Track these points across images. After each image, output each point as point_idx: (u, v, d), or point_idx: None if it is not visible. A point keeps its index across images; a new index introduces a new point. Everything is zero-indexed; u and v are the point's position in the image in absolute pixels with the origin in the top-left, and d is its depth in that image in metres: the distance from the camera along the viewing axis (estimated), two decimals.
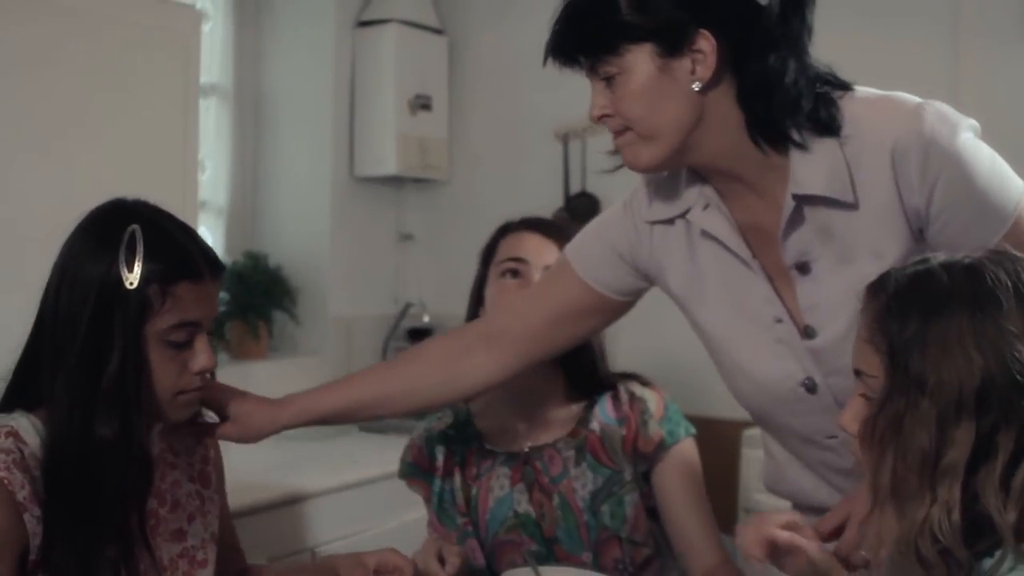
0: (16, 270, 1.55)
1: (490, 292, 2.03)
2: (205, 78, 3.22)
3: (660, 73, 1.43)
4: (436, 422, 2.09)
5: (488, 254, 2.08)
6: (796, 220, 1.48)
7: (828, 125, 1.44)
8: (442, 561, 1.76)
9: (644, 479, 1.97)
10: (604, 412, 2.01)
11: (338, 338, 3.79)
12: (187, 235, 1.55)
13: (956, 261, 1.19)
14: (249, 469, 2.67)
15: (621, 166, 1.57)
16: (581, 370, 2.01)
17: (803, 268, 1.50)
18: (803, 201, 1.47)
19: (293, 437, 3.15)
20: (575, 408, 2.03)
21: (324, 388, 1.88)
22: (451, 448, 2.04)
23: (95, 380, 1.46)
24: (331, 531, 2.68)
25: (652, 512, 1.97)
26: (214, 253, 1.57)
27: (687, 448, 1.99)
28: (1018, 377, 1.11)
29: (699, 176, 1.57)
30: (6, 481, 1.43)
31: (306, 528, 2.63)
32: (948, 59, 3.16)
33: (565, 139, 3.71)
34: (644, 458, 1.97)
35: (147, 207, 1.56)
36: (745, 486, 3.16)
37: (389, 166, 3.79)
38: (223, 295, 3.47)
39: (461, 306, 4.00)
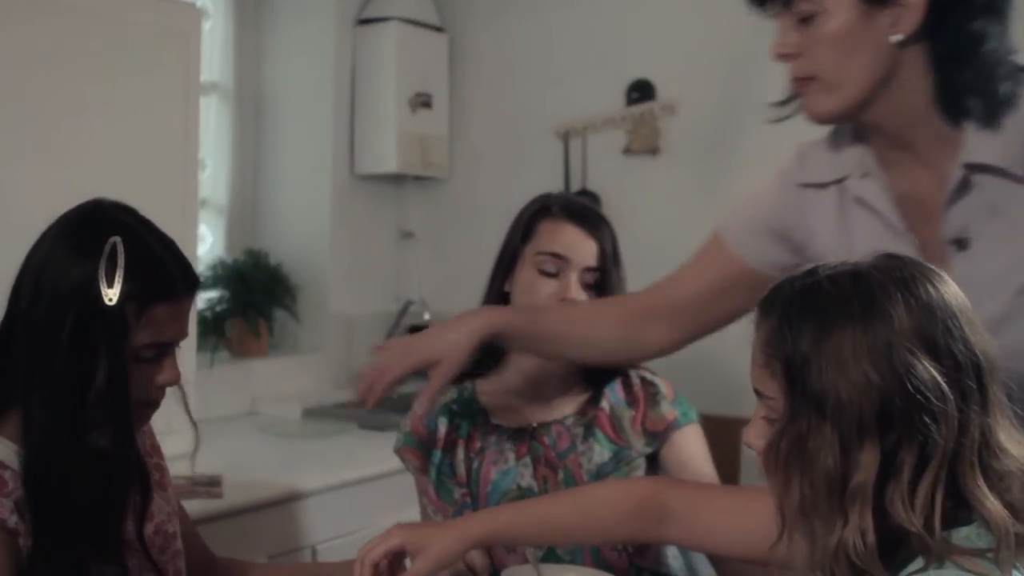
0: (15, 269, 1.53)
1: (524, 279, 2.05)
2: (205, 76, 3.22)
3: (861, 19, 1.39)
4: (439, 396, 2.08)
5: (525, 233, 2.07)
6: (962, 191, 1.43)
7: (1013, 100, 1.39)
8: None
9: (650, 461, 2.00)
10: (614, 393, 2.05)
11: (339, 336, 3.79)
12: (168, 250, 1.51)
13: (843, 271, 1.17)
14: (249, 467, 2.68)
15: (790, 116, 1.52)
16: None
17: (961, 244, 1.45)
18: (974, 170, 1.42)
19: (293, 435, 3.17)
20: (585, 390, 2.06)
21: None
22: (454, 421, 2.06)
23: (81, 394, 1.43)
24: (331, 529, 2.68)
25: None
26: (192, 269, 1.54)
27: (697, 430, 2.05)
28: (917, 396, 1.09)
29: (861, 141, 1.53)
30: None
31: (306, 526, 2.63)
32: None
33: (566, 137, 3.71)
34: (654, 437, 2.01)
35: (128, 214, 1.52)
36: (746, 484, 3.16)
37: (390, 164, 3.79)
38: (223, 293, 3.48)
39: (462, 303, 3.99)
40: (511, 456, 2.00)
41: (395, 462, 2.86)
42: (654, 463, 2.01)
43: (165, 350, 1.52)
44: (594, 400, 2.05)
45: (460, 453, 2.03)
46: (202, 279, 1.60)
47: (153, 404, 1.54)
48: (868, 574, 1.10)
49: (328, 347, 3.76)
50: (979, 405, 1.12)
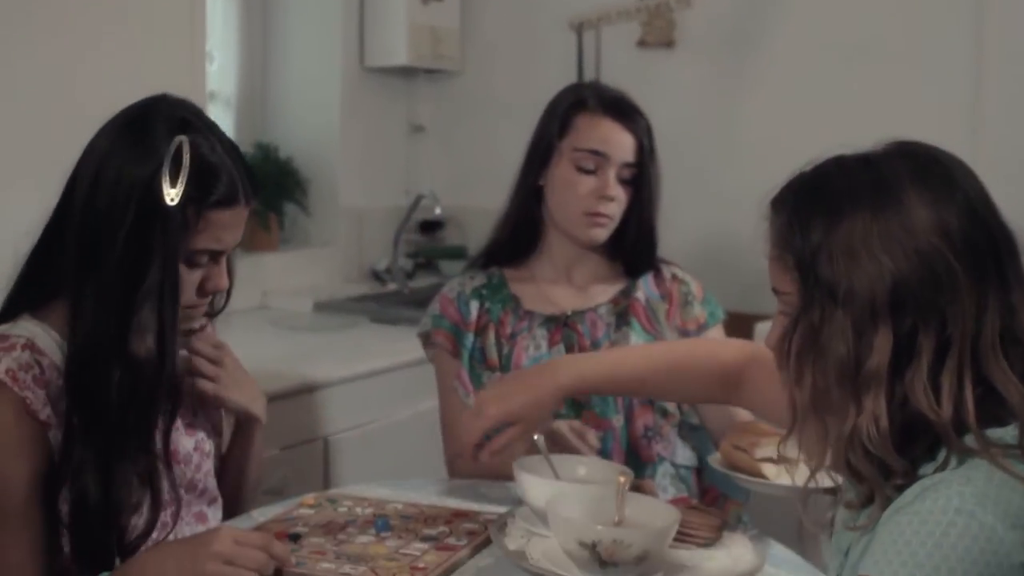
0: (25, 166, 1.52)
1: (562, 176, 2.05)
2: None
3: None
4: (468, 280, 2.14)
5: (562, 127, 2.07)
6: None
7: None
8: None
9: None
10: (647, 286, 2.11)
11: (350, 230, 3.78)
12: (232, 156, 1.50)
13: (850, 159, 1.16)
14: (261, 359, 2.69)
15: None
16: (630, 249, 2.10)
17: None
18: None
19: (304, 328, 3.18)
20: (618, 281, 2.12)
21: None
22: (485, 305, 2.10)
23: (132, 291, 1.43)
24: (343, 421, 2.70)
25: None
26: (253, 177, 1.53)
27: (721, 331, 2.12)
28: (929, 274, 1.08)
29: None
30: (28, 400, 1.43)
31: (318, 418, 2.65)
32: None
33: (579, 29, 3.64)
34: (684, 335, 2.08)
35: (195, 114, 1.50)
36: None
37: (400, 56, 3.73)
38: None
39: (473, 198, 4.01)
40: (543, 343, 2.05)
41: (406, 355, 2.89)
42: None
43: (218, 257, 1.52)
44: (627, 291, 2.10)
45: (491, 337, 2.06)
46: None
47: (198, 308, 1.54)
48: (883, 462, 1.10)
49: (339, 241, 3.75)
50: (999, 285, 1.10)
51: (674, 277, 2.13)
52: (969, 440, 1.08)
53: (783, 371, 1.19)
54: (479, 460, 1.64)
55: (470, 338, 2.08)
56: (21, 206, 1.53)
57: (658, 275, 2.13)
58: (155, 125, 1.46)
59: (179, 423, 1.61)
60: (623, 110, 2.05)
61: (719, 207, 3.31)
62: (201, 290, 1.52)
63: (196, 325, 1.61)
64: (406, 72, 3.94)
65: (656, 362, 1.68)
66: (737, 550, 1.58)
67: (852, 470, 1.12)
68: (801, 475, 1.66)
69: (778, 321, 1.21)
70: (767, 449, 1.69)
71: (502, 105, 3.84)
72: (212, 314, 1.67)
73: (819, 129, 3.21)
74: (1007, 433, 1.09)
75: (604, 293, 2.11)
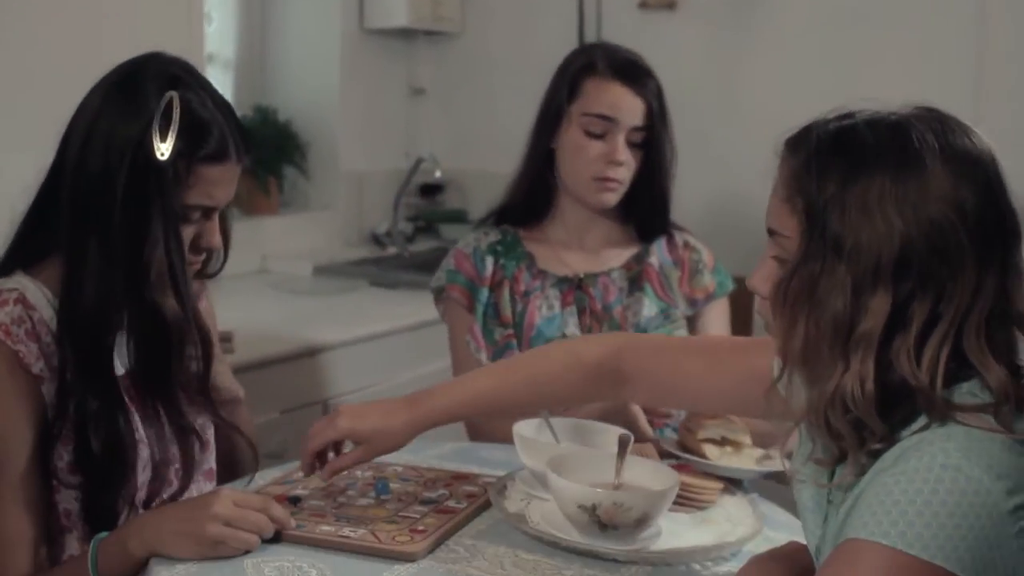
0: (22, 126, 1.51)
1: (571, 140, 2.05)
2: None
3: None
4: (482, 236, 2.15)
5: (571, 91, 2.06)
6: None
7: None
8: None
9: (687, 323, 2.10)
10: (660, 252, 2.13)
11: (349, 193, 3.77)
12: (224, 112, 1.50)
13: (882, 118, 1.13)
14: (260, 323, 2.69)
15: None
16: (643, 213, 2.11)
17: None
18: None
19: (304, 292, 3.17)
20: (630, 245, 2.13)
21: None
22: (499, 261, 2.11)
23: (138, 246, 1.43)
24: (342, 384, 2.70)
25: None
26: (245, 134, 1.53)
27: (726, 303, 2.15)
28: (939, 245, 1.07)
29: None
30: (21, 354, 1.43)
31: (317, 381, 2.65)
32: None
33: None
34: (693, 303, 2.10)
35: (187, 71, 1.50)
36: None
37: (400, 18, 3.70)
38: None
39: (473, 161, 4.00)
40: (556, 303, 2.06)
41: (406, 319, 2.89)
42: (689, 326, 2.11)
43: (210, 213, 1.51)
44: (640, 256, 2.11)
45: (506, 294, 2.08)
46: None
47: (191, 265, 1.54)
48: (863, 423, 1.10)
49: (338, 204, 3.74)
50: (999, 268, 1.10)
51: (686, 244, 2.14)
52: (943, 406, 1.08)
53: (776, 318, 1.17)
54: (313, 472, 1.55)
55: (485, 293, 2.09)
56: (19, 165, 1.52)
57: (671, 241, 2.13)
58: (145, 82, 1.46)
59: (183, 402, 1.60)
60: (632, 73, 2.04)
61: (721, 171, 3.29)
62: (194, 247, 1.52)
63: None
64: (406, 34, 3.91)
65: (510, 378, 1.60)
66: (736, 513, 1.59)
67: (830, 428, 1.12)
68: (747, 455, 1.67)
69: (767, 265, 1.19)
70: (710, 431, 1.71)
71: (503, 67, 3.82)
72: (208, 276, 1.66)
73: (822, 91, 3.19)
74: (973, 387, 1.09)
75: (617, 257, 2.12)
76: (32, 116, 1.51)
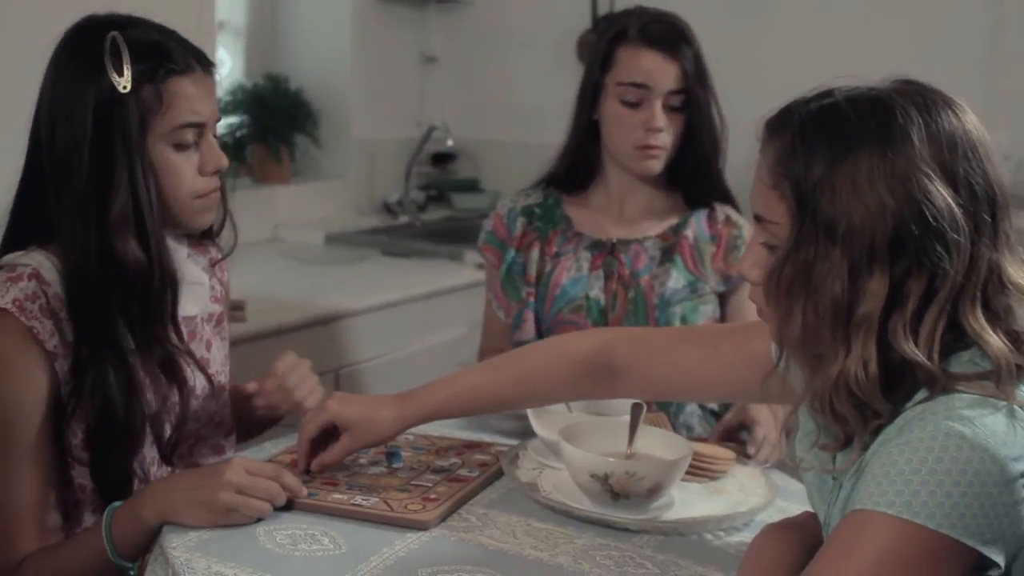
0: (31, 96, 1.52)
1: (610, 111, 2.05)
2: None
3: None
4: (522, 197, 2.18)
5: (605, 61, 2.05)
6: None
7: None
8: None
9: (720, 299, 2.08)
10: (699, 224, 2.10)
11: (361, 162, 3.76)
12: (168, 34, 1.51)
13: (863, 94, 1.12)
14: (272, 291, 2.69)
15: None
16: (688, 178, 2.09)
17: None
18: None
19: (315, 261, 3.17)
20: (670, 216, 2.11)
21: None
22: (534, 223, 2.13)
23: (106, 200, 1.44)
24: (355, 353, 2.71)
25: None
26: (199, 50, 1.53)
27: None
28: (931, 221, 1.06)
29: None
30: (35, 331, 1.43)
31: (329, 350, 2.65)
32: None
33: None
34: (728, 279, 2.08)
35: (121, 16, 1.51)
36: None
37: None
38: (244, 119, 3.44)
39: (485, 130, 3.98)
40: (585, 265, 2.07)
41: (418, 288, 2.90)
42: (723, 302, 2.09)
43: (201, 134, 1.51)
44: (677, 227, 2.09)
45: (535, 254, 2.10)
46: (221, 104, 1.59)
47: (209, 195, 1.54)
48: (867, 405, 1.10)
49: (350, 173, 3.73)
50: (990, 239, 1.09)
51: (727, 219, 2.11)
52: (943, 378, 1.08)
53: (771, 306, 1.16)
54: (307, 467, 1.53)
55: (511, 253, 2.12)
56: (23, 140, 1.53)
57: (712, 214, 2.11)
58: (88, 38, 1.47)
59: (190, 360, 1.60)
60: (663, 38, 2.02)
61: (736, 144, 3.27)
62: (202, 171, 1.52)
63: (211, 217, 1.59)
64: (418, 1, 3.89)
65: (497, 376, 1.59)
66: (749, 484, 1.58)
67: (835, 413, 1.11)
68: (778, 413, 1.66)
69: (755, 251, 1.18)
70: None
71: (515, 35, 3.80)
72: (214, 235, 1.67)
73: (837, 65, 3.18)
74: (974, 356, 1.09)
75: (655, 226, 2.10)
76: (26, 95, 1.52)
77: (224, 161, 1.54)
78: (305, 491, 1.44)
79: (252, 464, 1.43)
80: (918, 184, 1.06)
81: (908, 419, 1.07)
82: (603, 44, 2.06)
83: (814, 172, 1.09)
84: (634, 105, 2.01)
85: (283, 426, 2.00)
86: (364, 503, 1.43)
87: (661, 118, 2.01)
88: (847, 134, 1.09)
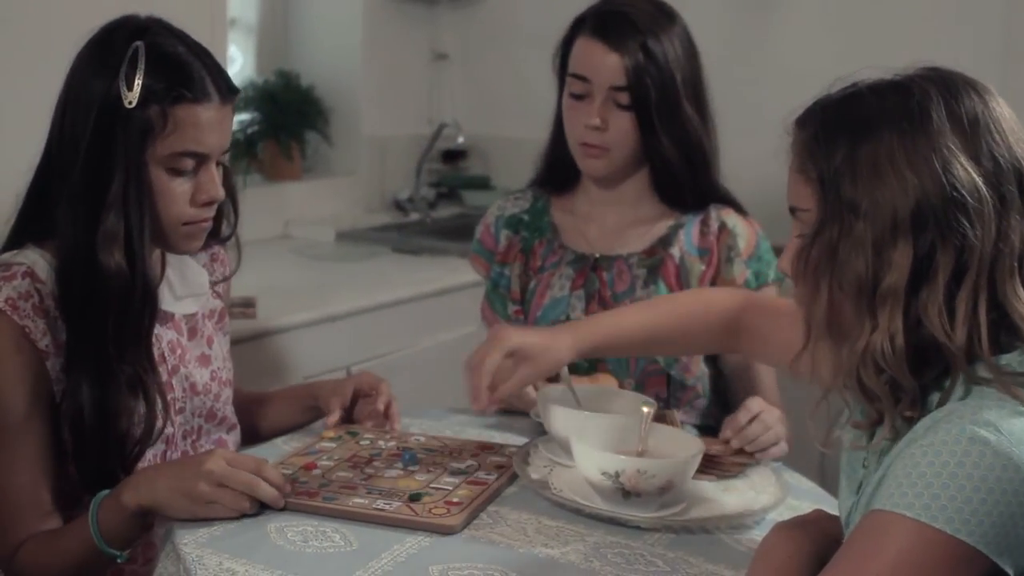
0: (41, 96, 1.51)
1: (564, 106, 1.94)
2: None
3: None
4: (509, 203, 2.06)
5: (563, 51, 1.94)
6: None
7: None
8: None
9: None
10: (688, 237, 1.94)
11: (372, 159, 3.76)
12: (197, 55, 1.47)
13: (884, 81, 1.14)
14: (283, 288, 2.70)
15: None
16: (663, 184, 1.93)
17: None
18: None
19: (326, 258, 3.17)
20: (659, 224, 1.96)
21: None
22: (520, 234, 2.02)
23: (98, 209, 1.42)
24: (364, 350, 2.71)
25: (710, 357, 1.93)
26: (227, 76, 1.50)
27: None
28: (953, 193, 1.07)
29: None
30: (28, 330, 1.43)
31: (339, 347, 2.65)
32: None
33: None
34: None
35: (159, 24, 1.49)
36: None
37: None
38: (255, 115, 3.44)
39: (496, 127, 3.97)
40: (567, 284, 1.94)
41: (428, 285, 2.90)
42: None
43: (202, 162, 1.48)
44: (666, 240, 1.94)
45: (518, 268, 1.99)
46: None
47: (198, 224, 1.52)
48: (897, 383, 1.10)
49: (361, 170, 3.73)
50: (1020, 213, 1.10)
51: (723, 227, 1.93)
52: (980, 369, 1.08)
53: (799, 287, 1.18)
54: (486, 406, 1.54)
55: (496, 268, 2.03)
56: (33, 138, 1.53)
57: (705, 223, 1.94)
58: (114, 38, 1.46)
59: (190, 355, 1.60)
60: (612, 28, 1.86)
61: (747, 133, 3.26)
62: (194, 201, 1.49)
63: (197, 244, 1.56)
64: None
65: (655, 314, 1.67)
66: (760, 482, 1.58)
67: (864, 388, 1.11)
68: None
69: (794, 243, 1.20)
70: None
71: (526, 32, 3.78)
72: (220, 240, 1.65)
73: (852, 53, 3.16)
74: (1013, 359, 1.08)
75: (641, 238, 1.95)
76: (50, 84, 1.51)
77: (220, 194, 1.51)
78: (289, 487, 1.43)
79: (234, 456, 1.43)
80: (938, 157, 1.08)
81: (936, 419, 1.06)
82: (566, 35, 1.94)
83: (837, 155, 1.11)
84: (579, 98, 1.88)
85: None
86: (387, 507, 1.42)
87: (595, 113, 1.86)
88: (868, 118, 1.11)
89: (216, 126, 1.47)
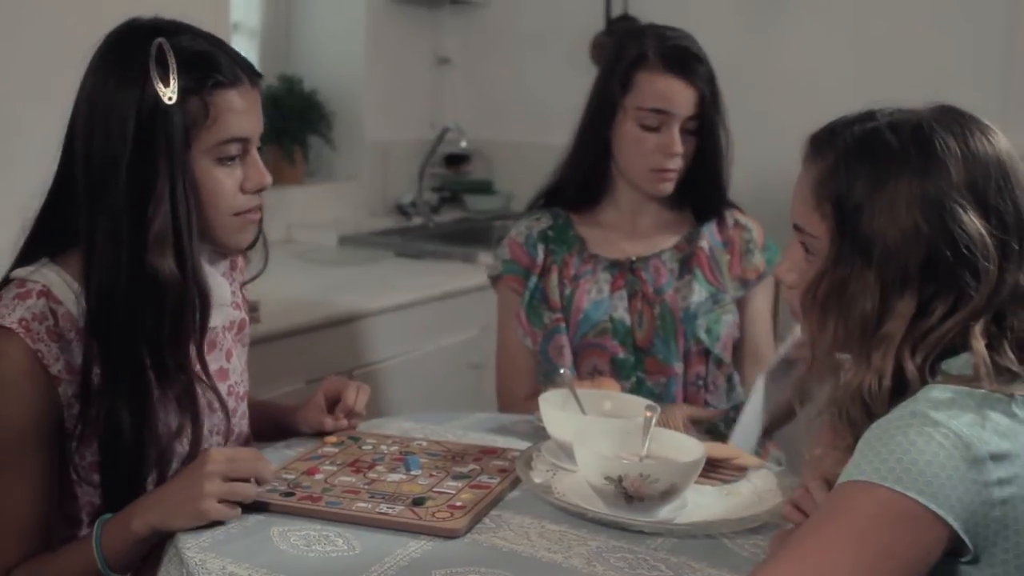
0: (47, 106, 1.49)
1: (628, 133, 2.05)
2: None
3: None
4: (534, 222, 2.16)
5: (623, 82, 2.05)
6: None
7: None
8: None
9: (737, 306, 2.10)
10: (711, 234, 2.13)
11: (375, 163, 3.76)
12: (215, 44, 1.46)
13: (904, 120, 1.18)
14: (286, 292, 2.69)
15: None
16: (699, 195, 2.11)
17: None
18: None
19: (329, 262, 3.18)
20: (682, 227, 2.14)
21: None
22: (550, 247, 2.13)
23: (143, 216, 1.39)
24: (368, 354, 2.71)
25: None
26: (248, 60, 1.49)
27: (771, 281, 2.14)
28: (963, 249, 1.12)
29: None
30: (40, 354, 1.39)
31: (343, 351, 2.65)
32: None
33: None
34: (745, 284, 2.11)
35: (167, 22, 1.46)
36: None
37: None
38: None
39: (498, 131, 3.97)
40: (606, 287, 2.07)
41: (431, 289, 2.89)
42: (740, 309, 2.11)
43: (247, 147, 1.47)
44: (691, 237, 2.12)
45: (554, 279, 2.09)
46: None
47: (251, 213, 1.51)
48: (875, 415, 1.15)
49: (364, 174, 3.74)
50: (1016, 264, 1.15)
51: (736, 223, 2.14)
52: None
53: (806, 317, 1.23)
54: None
55: (534, 280, 2.11)
56: (42, 151, 1.51)
57: (721, 222, 2.14)
58: (131, 45, 1.42)
59: (208, 389, 1.58)
60: (683, 63, 2.02)
61: (759, 141, 3.27)
62: (245, 188, 1.48)
63: (249, 237, 1.55)
64: (432, 3, 3.90)
65: None
66: (763, 487, 1.58)
67: (849, 419, 1.18)
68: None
69: (794, 254, 1.25)
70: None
71: (528, 37, 3.80)
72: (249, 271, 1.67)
73: (861, 63, 3.17)
74: (959, 362, 1.15)
75: (668, 240, 2.12)
76: (56, 95, 1.49)
77: (268, 179, 1.50)
78: (325, 500, 1.43)
79: (230, 451, 1.42)
80: (951, 211, 1.13)
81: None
82: (622, 66, 2.04)
83: (855, 194, 1.17)
84: (653, 129, 2.02)
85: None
86: (391, 511, 1.42)
87: (679, 144, 2.02)
88: (888, 160, 1.16)
89: (252, 109, 1.47)
